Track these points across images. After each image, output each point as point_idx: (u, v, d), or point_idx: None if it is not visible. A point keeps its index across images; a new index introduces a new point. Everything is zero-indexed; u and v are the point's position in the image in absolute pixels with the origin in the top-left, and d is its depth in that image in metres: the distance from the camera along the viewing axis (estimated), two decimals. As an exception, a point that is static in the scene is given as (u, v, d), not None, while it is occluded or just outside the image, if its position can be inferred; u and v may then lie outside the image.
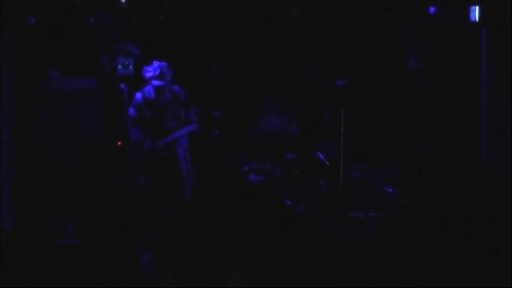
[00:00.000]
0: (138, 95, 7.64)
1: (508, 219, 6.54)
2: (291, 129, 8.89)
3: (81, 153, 7.83)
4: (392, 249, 6.43)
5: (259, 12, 9.00)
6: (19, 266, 6.09)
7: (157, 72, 7.54)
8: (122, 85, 7.85)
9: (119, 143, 7.98)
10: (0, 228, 6.89)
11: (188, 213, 7.70)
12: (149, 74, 7.56)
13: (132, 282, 6.07)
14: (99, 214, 7.46)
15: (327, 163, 8.57)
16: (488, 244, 6.22)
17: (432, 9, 8.54)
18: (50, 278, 5.98)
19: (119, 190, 7.76)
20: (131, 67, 8.26)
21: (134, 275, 6.19)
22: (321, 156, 8.63)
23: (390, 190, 8.06)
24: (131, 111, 7.62)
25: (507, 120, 7.56)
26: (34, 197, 7.57)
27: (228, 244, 7.05)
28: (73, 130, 7.87)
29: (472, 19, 7.84)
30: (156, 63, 7.59)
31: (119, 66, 8.22)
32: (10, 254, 6.35)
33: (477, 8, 7.79)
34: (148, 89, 7.64)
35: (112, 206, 7.56)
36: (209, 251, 6.73)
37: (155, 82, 7.56)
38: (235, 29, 9.12)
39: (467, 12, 7.89)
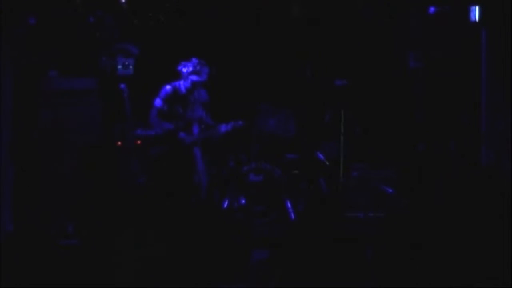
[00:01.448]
0: (168, 87, 7.74)
1: (508, 220, 6.54)
2: (289, 129, 8.88)
3: (81, 153, 7.83)
4: (392, 249, 6.43)
5: (259, 12, 9.00)
6: (20, 267, 6.09)
7: (197, 68, 7.63)
8: (122, 85, 7.87)
9: (119, 143, 7.99)
10: (0, 229, 6.89)
11: (204, 213, 7.75)
12: (187, 70, 7.65)
13: (133, 282, 6.07)
14: (99, 214, 7.46)
15: (327, 163, 8.57)
16: (488, 244, 6.22)
17: (432, 9, 8.54)
18: (50, 278, 5.98)
19: (119, 190, 7.77)
20: (131, 67, 8.26)
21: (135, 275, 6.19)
22: (321, 156, 8.63)
23: (390, 190, 8.06)
24: (159, 102, 7.70)
25: (507, 120, 7.57)
26: (35, 197, 7.57)
27: (227, 244, 7.05)
28: (73, 130, 7.86)
29: (472, 19, 7.85)
30: (194, 60, 7.68)
31: (119, 66, 8.22)
32: (11, 255, 6.35)
33: (477, 8, 7.79)
34: (179, 84, 7.74)
35: (113, 206, 7.57)
36: (208, 251, 6.73)
37: (193, 78, 7.65)
38: (234, 29, 9.12)
39: (467, 12, 7.89)
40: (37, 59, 7.88)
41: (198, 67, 7.67)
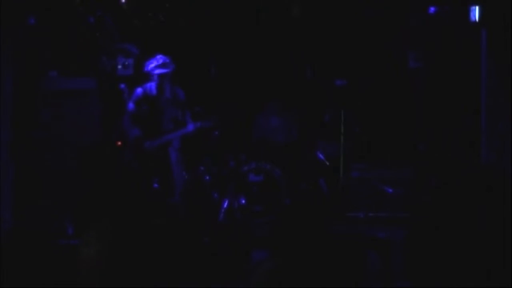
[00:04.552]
0: (139, 90, 7.66)
1: (508, 220, 6.53)
2: (292, 133, 8.88)
3: (81, 153, 7.83)
4: (392, 249, 6.42)
5: (259, 12, 9.00)
6: (19, 266, 6.08)
7: (160, 62, 7.57)
8: (122, 85, 7.86)
9: (119, 143, 7.99)
10: (0, 228, 6.89)
11: (177, 215, 7.69)
12: (152, 65, 7.59)
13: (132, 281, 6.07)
14: (99, 214, 7.46)
15: (327, 163, 8.57)
16: (488, 244, 6.21)
17: (432, 9, 8.53)
18: (50, 278, 5.97)
19: (119, 189, 7.77)
20: (131, 67, 8.26)
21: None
22: (321, 156, 8.63)
23: (390, 190, 8.06)
24: (131, 105, 7.64)
25: (507, 120, 7.56)
26: (34, 197, 7.57)
27: (226, 244, 7.05)
28: (73, 130, 7.87)
29: (472, 19, 7.84)
30: (159, 55, 7.63)
31: (119, 66, 8.22)
32: (10, 254, 6.34)
33: (477, 8, 7.78)
34: (150, 85, 7.68)
35: (113, 205, 7.57)
36: (208, 251, 6.73)
37: (159, 70, 7.57)
38: (234, 29, 9.12)
39: (467, 12, 7.88)
40: (37, 59, 7.89)
41: (161, 61, 7.58)
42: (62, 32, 8.17)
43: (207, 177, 8.26)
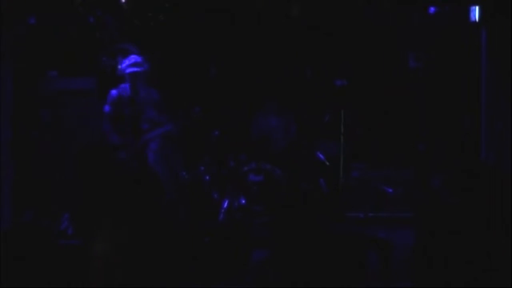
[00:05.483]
0: (114, 92, 7.65)
1: (508, 220, 6.53)
2: (291, 131, 8.89)
3: (81, 153, 7.83)
4: (392, 249, 6.43)
5: (259, 12, 9.00)
6: (19, 266, 6.09)
7: (132, 61, 7.57)
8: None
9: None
10: (0, 228, 6.90)
11: (172, 215, 7.69)
12: (124, 65, 7.58)
13: (132, 282, 6.07)
14: (98, 214, 7.46)
15: (327, 163, 8.57)
16: (488, 244, 6.22)
17: (432, 9, 8.54)
18: (50, 278, 5.97)
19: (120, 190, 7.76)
20: (131, 67, 8.26)
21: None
22: (321, 156, 8.63)
23: (390, 190, 8.06)
24: (107, 108, 7.61)
25: (507, 120, 7.57)
26: (34, 197, 7.57)
27: (226, 244, 7.05)
28: (73, 130, 7.87)
29: (472, 19, 7.85)
30: (132, 55, 7.65)
31: (119, 66, 8.23)
32: (10, 254, 6.35)
33: (477, 8, 7.80)
34: (124, 86, 7.65)
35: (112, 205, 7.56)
36: (208, 251, 6.73)
37: (130, 69, 7.55)
38: (235, 29, 9.12)
39: (467, 12, 7.90)
40: (37, 59, 7.90)
41: (133, 60, 7.56)
42: (62, 32, 8.18)
43: (207, 177, 8.26)
